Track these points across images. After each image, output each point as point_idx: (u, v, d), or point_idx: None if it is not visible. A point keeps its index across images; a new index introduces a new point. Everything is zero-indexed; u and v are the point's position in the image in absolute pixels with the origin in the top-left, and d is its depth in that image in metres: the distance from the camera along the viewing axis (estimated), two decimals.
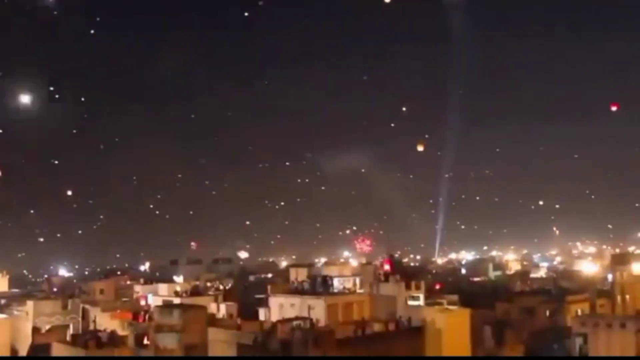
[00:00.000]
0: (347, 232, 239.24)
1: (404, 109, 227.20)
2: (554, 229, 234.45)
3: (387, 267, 74.44)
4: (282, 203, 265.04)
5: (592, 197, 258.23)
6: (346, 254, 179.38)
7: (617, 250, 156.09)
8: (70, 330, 56.25)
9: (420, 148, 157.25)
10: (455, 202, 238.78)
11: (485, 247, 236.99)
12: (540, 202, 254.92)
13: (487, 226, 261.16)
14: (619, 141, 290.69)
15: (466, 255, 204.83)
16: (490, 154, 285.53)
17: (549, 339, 51.39)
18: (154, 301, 70.00)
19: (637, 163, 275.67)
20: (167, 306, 59.61)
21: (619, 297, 74.95)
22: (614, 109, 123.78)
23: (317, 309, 55.56)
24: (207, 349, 47.80)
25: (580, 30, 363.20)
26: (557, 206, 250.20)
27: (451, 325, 49.74)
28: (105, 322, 61.82)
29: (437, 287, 77.47)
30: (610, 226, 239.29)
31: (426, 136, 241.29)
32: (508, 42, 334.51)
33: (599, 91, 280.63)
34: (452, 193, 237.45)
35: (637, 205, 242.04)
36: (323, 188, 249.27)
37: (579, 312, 65.52)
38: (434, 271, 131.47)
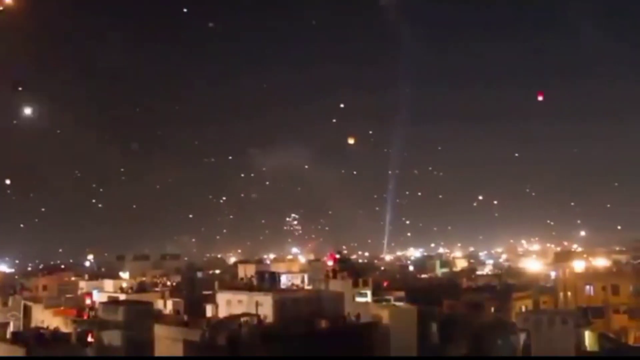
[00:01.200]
0: (292, 228, 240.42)
1: (341, 105, 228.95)
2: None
3: (330, 262, 74.67)
4: (226, 198, 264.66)
5: (533, 194, 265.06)
6: (294, 250, 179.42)
7: (559, 249, 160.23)
8: (11, 328, 54.48)
9: (350, 141, 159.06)
10: (399, 199, 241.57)
11: (432, 245, 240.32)
12: (480, 197, 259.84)
13: (431, 223, 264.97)
14: (557, 141, 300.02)
15: (414, 253, 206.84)
16: (434, 152, 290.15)
17: (494, 335, 52.11)
18: (99, 297, 68.63)
19: (573, 162, 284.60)
20: (112, 303, 58.68)
21: (561, 294, 76.78)
22: (540, 98, 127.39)
23: (265, 306, 55.10)
24: (154, 346, 47.08)
25: (522, 32, 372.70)
26: (495, 202, 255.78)
27: (398, 322, 50.19)
28: (48, 319, 60.21)
29: (385, 284, 77.91)
30: (551, 222, 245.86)
31: (370, 132, 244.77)
32: (453, 44, 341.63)
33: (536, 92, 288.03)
34: (397, 190, 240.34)
35: (572, 204, 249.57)
36: (267, 183, 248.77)
37: (523, 309, 66.90)
38: (382, 268, 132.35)
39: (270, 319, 53.17)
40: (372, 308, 53.25)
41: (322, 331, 48.20)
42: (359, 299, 57.07)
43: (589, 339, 49.01)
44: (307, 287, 68.65)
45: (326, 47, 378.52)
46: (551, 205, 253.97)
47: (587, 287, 77.74)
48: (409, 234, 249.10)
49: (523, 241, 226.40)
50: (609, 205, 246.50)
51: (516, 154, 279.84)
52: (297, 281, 72.70)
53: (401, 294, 63.64)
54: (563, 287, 78.21)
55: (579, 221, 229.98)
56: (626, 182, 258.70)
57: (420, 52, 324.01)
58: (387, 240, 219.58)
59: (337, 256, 67.90)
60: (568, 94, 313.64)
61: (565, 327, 47.11)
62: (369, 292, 59.22)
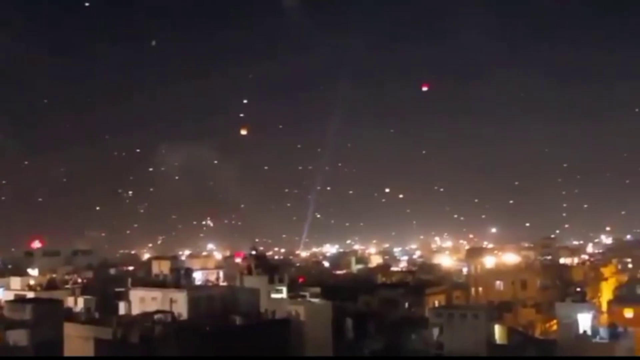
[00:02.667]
0: (206, 223, 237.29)
1: (245, 101, 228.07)
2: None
3: (238, 259, 74.22)
4: (134, 192, 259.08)
5: (441, 190, 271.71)
6: (210, 246, 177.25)
7: (469, 246, 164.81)
8: None
9: (243, 132, 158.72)
10: (311, 194, 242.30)
11: (348, 241, 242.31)
12: (387, 190, 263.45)
13: (344, 219, 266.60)
14: (462, 139, 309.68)
15: (330, 249, 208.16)
16: (343, 149, 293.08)
17: (408, 330, 52.84)
18: (4, 296, 66.19)
19: (479, 160, 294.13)
20: (19, 301, 56.35)
21: (473, 289, 78.71)
22: (424, 89, 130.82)
23: (179, 303, 54.15)
24: (63, 345, 45.43)
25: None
26: (400, 196, 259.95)
27: (314, 318, 50.24)
28: None
29: (301, 280, 77.90)
30: (461, 218, 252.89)
31: (280, 126, 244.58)
32: (368, 42, 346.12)
33: (449, 92, 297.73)
34: (309, 186, 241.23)
35: (476, 200, 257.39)
36: (177, 178, 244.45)
37: (437, 304, 68.16)
38: (297, 264, 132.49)
39: (185, 316, 52.31)
40: (287, 304, 53.04)
41: (237, 327, 47.66)
42: (274, 296, 56.74)
43: (498, 332, 50.26)
44: (222, 283, 67.87)
45: (234, 46, 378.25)
46: (459, 202, 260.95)
47: (498, 282, 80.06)
48: (323, 230, 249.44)
49: (437, 238, 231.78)
50: (511, 202, 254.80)
51: (424, 151, 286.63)
52: (213, 278, 71.74)
53: (317, 290, 63.66)
54: (475, 283, 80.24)
55: (483, 216, 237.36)
56: (527, 181, 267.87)
57: (328, 51, 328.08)
58: (303, 236, 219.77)
59: (253, 252, 67.14)
60: (469, 94, 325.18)
61: (476, 321, 48.28)
62: (284, 289, 58.97)
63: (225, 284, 67.09)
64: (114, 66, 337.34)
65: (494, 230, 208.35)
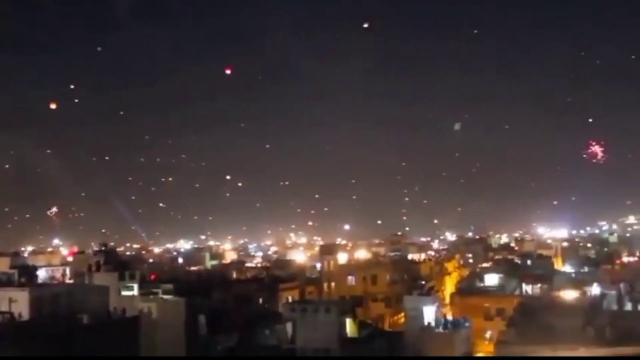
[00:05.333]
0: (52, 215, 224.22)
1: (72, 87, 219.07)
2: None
3: (70, 259, 71.56)
4: None
5: (287, 183, 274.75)
6: (56, 241, 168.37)
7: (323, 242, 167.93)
8: None
9: (52, 106, 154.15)
10: (155, 187, 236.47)
11: (203, 237, 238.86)
12: (228, 177, 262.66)
13: (191, 213, 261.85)
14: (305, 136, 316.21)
15: (184, 245, 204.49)
16: (189, 141, 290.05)
17: (261, 325, 52.93)
18: None
19: (321, 157, 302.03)
20: None
21: (325, 284, 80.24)
22: (227, 72, 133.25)
23: (20, 302, 50.78)
24: None
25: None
26: (239, 184, 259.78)
27: (166, 315, 49.15)
28: None
29: (153, 276, 75.96)
30: (312, 211, 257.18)
31: (121, 112, 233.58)
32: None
33: (306, 88, 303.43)
34: (154, 178, 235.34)
35: (317, 196, 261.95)
36: (7, 166, 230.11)
37: (290, 299, 68.86)
38: (150, 260, 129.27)
39: (26, 316, 49.26)
40: (138, 301, 51.46)
41: (85, 327, 45.55)
42: (125, 293, 54.82)
43: (349, 326, 51.54)
44: (69, 281, 64.79)
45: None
46: (304, 197, 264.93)
47: (350, 277, 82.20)
48: (172, 225, 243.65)
49: (292, 234, 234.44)
50: (354, 197, 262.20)
51: (267, 146, 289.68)
52: (58, 275, 68.28)
53: (169, 286, 62.28)
54: (327, 278, 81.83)
55: (325, 208, 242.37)
56: (367, 178, 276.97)
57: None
58: (155, 231, 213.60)
59: (103, 248, 64.72)
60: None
61: (329, 315, 49.21)
62: (135, 286, 57.14)
63: (72, 281, 63.98)
64: None
65: (347, 227, 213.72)
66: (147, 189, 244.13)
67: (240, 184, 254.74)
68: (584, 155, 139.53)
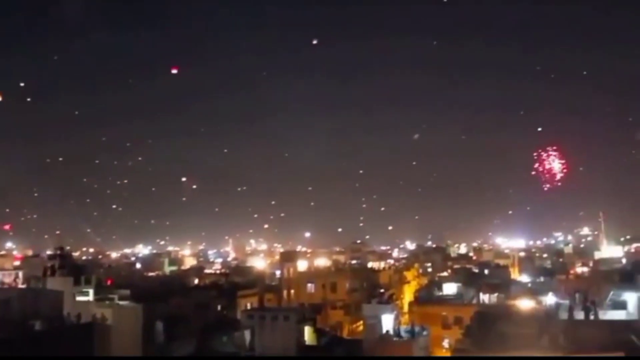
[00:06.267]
0: None
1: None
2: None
3: (17, 263, 70.21)
4: None
5: (244, 188, 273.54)
6: (9, 244, 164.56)
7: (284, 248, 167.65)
8: None
9: None
10: (110, 189, 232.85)
11: (162, 242, 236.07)
12: (183, 178, 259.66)
13: (148, 217, 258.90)
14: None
15: (142, 250, 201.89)
16: (144, 143, 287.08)
17: (219, 332, 52.49)
18: None
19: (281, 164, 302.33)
20: None
21: (285, 291, 79.99)
22: (174, 71, 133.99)
23: None
24: None
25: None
26: (194, 186, 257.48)
27: (122, 321, 48.35)
28: None
29: (109, 282, 74.85)
30: (271, 217, 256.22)
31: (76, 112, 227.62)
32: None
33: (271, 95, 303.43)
34: (110, 181, 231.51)
35: (273, 202, 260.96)
36: None
37: (249, 306, 68.51)
38: (107, 265, 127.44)
39: None
40: (94, 307, 50.61)
41: (37, 333, 44.53)
42: (80, 298, 53.89)
43: (308, 333, 51.45)
44: (21, 285, 63.39)
45: None
46: (261, 204, 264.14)
47: (309, 285, 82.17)
48: (129, 229, 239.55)
49: (252, 240, 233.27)
50: (312, 203, 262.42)
51: (225, 150, 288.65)
52: (10, 279, 66.83)
53: (126, 292, 61.47)
54: (287, 285, 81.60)
55: (282, 214, 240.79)
56: (325, 185, 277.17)
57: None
58: (112, 235, 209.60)
59: (58, 252, 63.32)
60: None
61: (287, 323, 49.04)
62: (91, 291, 56.23)
63: (24, 286, 62.60)
64: None
65: (307, 234, 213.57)
66: (103, 192, 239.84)
67: (195, 187, 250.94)
68: (538, 166, 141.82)
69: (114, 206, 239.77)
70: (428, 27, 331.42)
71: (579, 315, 47.68)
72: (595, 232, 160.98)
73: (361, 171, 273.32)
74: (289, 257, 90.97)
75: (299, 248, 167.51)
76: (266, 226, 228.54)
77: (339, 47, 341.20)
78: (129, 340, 47.70)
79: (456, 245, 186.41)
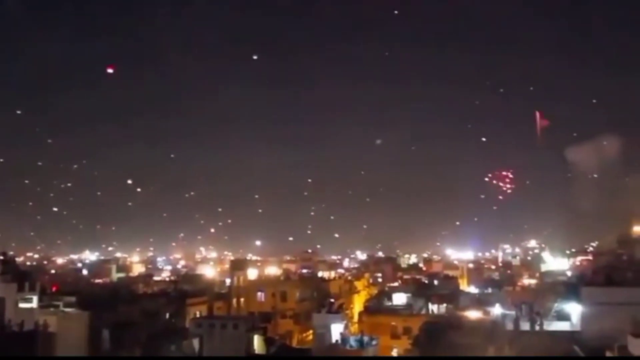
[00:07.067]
0: None
1: None
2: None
3: None
4: None
5: (192, 194, 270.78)
6: None
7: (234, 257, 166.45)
8: None
9: None
10: (53, 193, 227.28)
11: (110, 248, 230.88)
12: (129, 181, 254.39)
13: (93, 222, 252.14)
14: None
15: (89, 256, 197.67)
16: (89, 146, 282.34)
17: (167, 341, 51.76)
18: None
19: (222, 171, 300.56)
20: None
21: (235, 300, 79.37)
22: (110, 71, 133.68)
23: None
24: None
25: None
26: (138, 189, 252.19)
27: (66, 329, 47.35)
28: None
29: (55, 288, 73.18)
30: (221, 224, 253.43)
31: (18, 111, 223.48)
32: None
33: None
34: (54, 184, 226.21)
35: (220, 209, 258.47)
36: None
37: (198, 314, 67.78)
38: (52, 271, 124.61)
39: None
40: (37, 314, 49.36)
41: None
42: (23, 305, 52.49)
43: (257, 342, 51.19)
44: None
45: None
46: (212, 209, 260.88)
47: (259, 293, 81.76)
48: (74, 234, 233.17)
49: (202, 248, 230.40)
50: (260, 211, 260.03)
51: (172, 155, 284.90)
52: None
53: (72, 299, 60.15)
54: (237, 294, 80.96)
55: (229, 220, 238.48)
56: (272, 192, 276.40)
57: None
58: (56, 239, 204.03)
59: (1, 257, 61.64)
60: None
61: (236, 331, 48.82)
62: (35, 298, 54.84)
63: None
64: None
65: (258, 243, 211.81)
66: (46, 195, 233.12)
67: (139, 190, 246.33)
68: (486, 178, 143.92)
69: (57, 210, 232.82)
70: (378, 37, 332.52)
71: (525, 325, 48.65)
72: (542, 245, 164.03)
73: (309, 180, 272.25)
74: (239, 266, 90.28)
75: (249, 256, 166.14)
76: (212, 230, 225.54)
77: (287, 58, 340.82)
78: (73, 349, 46.68)
79: (406, 255, 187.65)
